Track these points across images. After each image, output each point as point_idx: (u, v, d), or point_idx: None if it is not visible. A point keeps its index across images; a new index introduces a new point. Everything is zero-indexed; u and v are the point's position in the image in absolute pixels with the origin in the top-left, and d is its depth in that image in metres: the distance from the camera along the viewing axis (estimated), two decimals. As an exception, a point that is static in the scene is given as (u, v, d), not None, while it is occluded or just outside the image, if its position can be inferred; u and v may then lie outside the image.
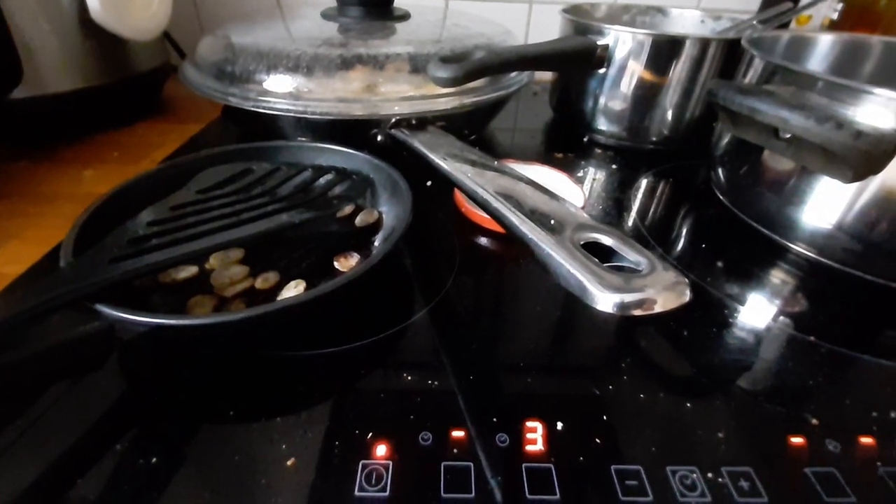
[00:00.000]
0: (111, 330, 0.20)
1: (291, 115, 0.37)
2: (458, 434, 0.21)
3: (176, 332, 0.21)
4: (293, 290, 0.28)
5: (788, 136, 0.31)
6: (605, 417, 0.23)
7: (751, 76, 0.39)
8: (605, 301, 0.15)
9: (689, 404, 0.24)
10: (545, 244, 0.17)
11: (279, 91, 0.38)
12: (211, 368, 0.25)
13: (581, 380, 0.25)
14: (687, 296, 0.15)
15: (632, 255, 0.17)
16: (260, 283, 0.29)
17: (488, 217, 0.36)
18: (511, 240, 0.35)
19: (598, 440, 0.22)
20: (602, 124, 0.52)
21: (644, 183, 0.47)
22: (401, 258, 0.33)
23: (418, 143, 0.33)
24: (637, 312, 0.15)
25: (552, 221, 0.19)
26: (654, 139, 0.51)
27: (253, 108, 0.37)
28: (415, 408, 0.23)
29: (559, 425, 0.22)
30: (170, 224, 0.27)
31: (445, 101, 0.39)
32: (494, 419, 0.22)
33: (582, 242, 0.18)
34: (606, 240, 0.18)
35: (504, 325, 0.29)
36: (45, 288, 0.21)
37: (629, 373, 0.25)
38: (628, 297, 0.15)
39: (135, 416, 0.22)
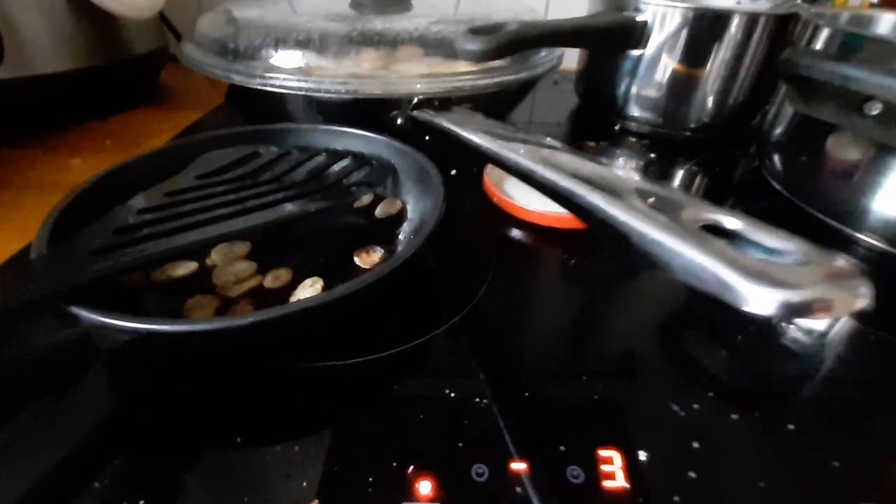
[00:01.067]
0: (88, 338, 0.16)
1: (303, 93, 0.33)
2: (518, 466, 0.17)
3: (170, 340, 0.17)
4: (309, 289, 0.24)
5: (876, 112, 0.27)
6: (695, 444, 0.19)
7: (813, 52, 0.35)
8: (762, 301, 0.11)
9: (791, 426, 0.20)
10: (658, 231, 0.13)
11: (288, 67, 0.34)
12: (212, 384, 0.21)
13: (658, 397, 0.20)
14: (867, 295, 0.11)
15: (772, 241, 0.13)
16: (270, 281, 0.25)
17: (524, 207, 0.32)
18: (555, 233, 0.31)
19: (692, 473, 0.17)
20: (635, 110, 0.48)
21: (686, 172, 0.43)
22: (431, 254, 0.29)
23: (448, 122, 0.29)
24: (806, 318, 0.11)
25: (651, 201, 0.15)
26: (692, 126, 0.47)
27: (259, 87, 0.33)
28: (463, 433, 0.18)
29: (641, 455, 0.18)
30: (164, 212, 0.23)
31: (473, 79, 0.35)
32: (562, 447, 0.18)
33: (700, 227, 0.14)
34: (731, 222, 0.14)
35: (558, 332, 0.24)
36: (8, 285, 0.17)
37: (714, 387, 0.21)
38: (795, 297, 0.10)
39: (120, 443, 0.18)
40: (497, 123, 0.27)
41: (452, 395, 0.20)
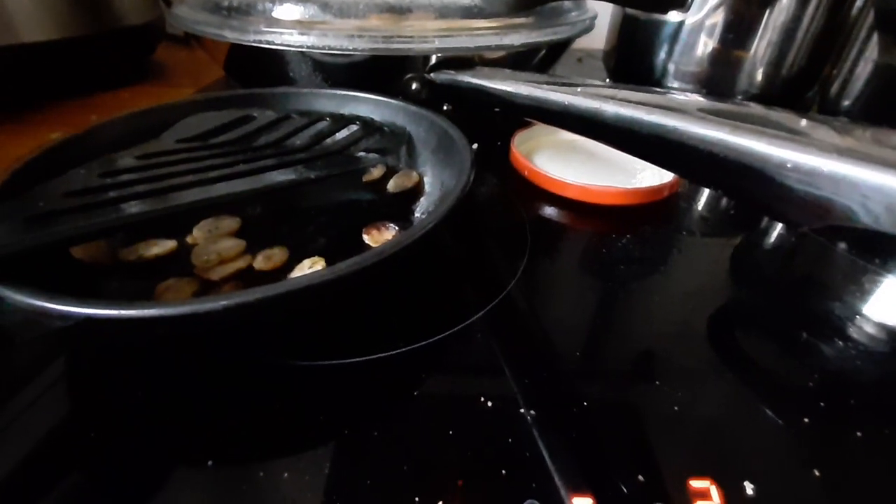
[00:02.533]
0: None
1: (304, 49, 0.29)
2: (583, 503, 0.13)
3: (119, 329, 0.13)
4: (307, 270, 0.19)
5: None
6: (816, 472, 0.14)
7: None
8: None
9: (934, 448, 0.15)
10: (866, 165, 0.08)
11: (288, 20, 0.30)
12: (178, 387, 0.16)
13: (755, 410, 0.16)
14: None
15: None
16: (261, 261, 0.20)
17: (560, 179, 0.27)
18: (598, 210, 0.26)
19: (819, 515, 0.13)
20: (675, 81, 0.44)
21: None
22: (456, 232, 0.25)
23: (475, 78, 0.24)
24: None
25: (800, 124, 0.10)
26: (739, 98, 0.42)
27: (254, 43, 0.29)
28: (506, 456, 0.14)
29: (748, 488, 0.13)
30: (131, 175, 0.19)
31: (500, 34, 0.31)
32: (640, 477, 0.13)
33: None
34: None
35: (612, 326, 0.20)
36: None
37: (824, 394, 0.16)
38: None
39: (63, 465, 0.14)
40: (533, 74, 0.23)
41: (489, 404, 0.15)
